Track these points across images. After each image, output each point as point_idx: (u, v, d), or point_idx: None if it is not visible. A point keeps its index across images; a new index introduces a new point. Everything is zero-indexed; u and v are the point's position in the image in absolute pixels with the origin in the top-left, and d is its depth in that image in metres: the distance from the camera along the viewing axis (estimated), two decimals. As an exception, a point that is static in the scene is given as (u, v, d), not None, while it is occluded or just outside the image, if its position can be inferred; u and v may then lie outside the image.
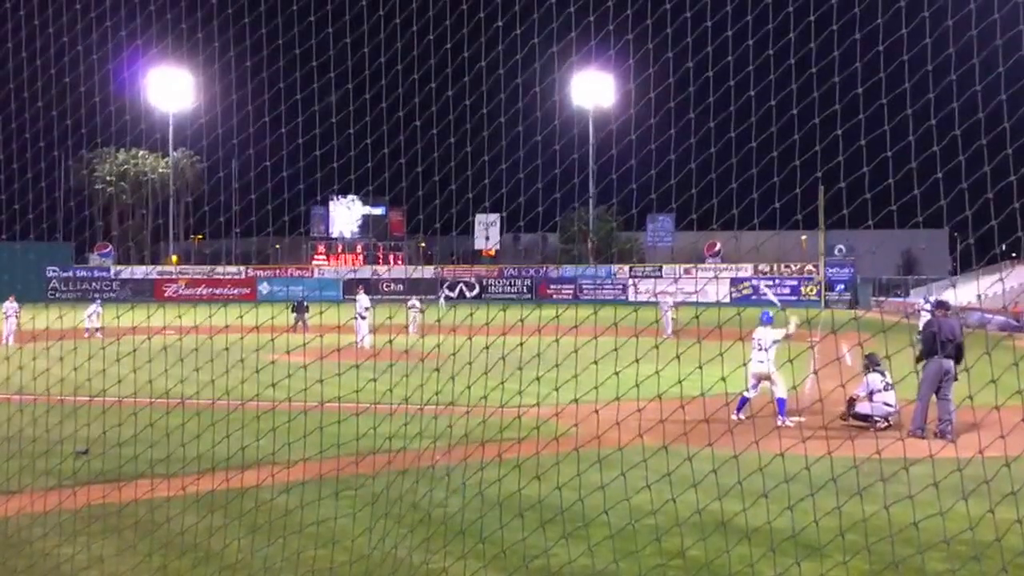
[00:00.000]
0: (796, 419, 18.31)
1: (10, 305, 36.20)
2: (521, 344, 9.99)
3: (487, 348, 9.52)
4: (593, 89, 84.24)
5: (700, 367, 8.73)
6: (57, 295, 71.07)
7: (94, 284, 73.68)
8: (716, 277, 76.17)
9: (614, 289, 78.54)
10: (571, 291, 79.19)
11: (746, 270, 77.04)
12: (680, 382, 8.95)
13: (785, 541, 9.19)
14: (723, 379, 9.58)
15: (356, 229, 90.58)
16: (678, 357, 8.70)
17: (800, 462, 9.00)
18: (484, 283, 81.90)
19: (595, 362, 9.13)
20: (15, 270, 65.67)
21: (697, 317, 9.12)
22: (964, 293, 40.04)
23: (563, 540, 9.61)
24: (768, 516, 8.81)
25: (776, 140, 8.82)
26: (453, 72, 10.33)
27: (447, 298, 70.59)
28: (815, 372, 8.85)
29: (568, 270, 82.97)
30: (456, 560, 9.21)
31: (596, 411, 9.27)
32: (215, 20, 11.32)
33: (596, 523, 10.13)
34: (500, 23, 9.97)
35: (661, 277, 77.49)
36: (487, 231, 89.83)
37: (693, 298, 61.97)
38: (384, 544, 9.67)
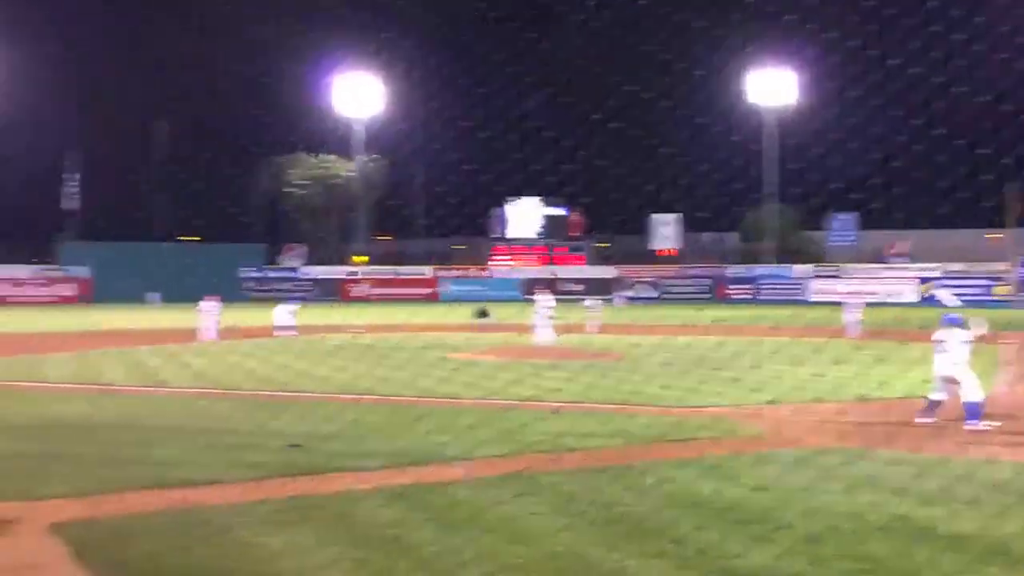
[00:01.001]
0: (990, 424, 17.54)
1: (211, 304, 38.10)
2: (718, 344, 9.98)
3: (681, 348, 9.54)
4: (780, 87, 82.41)
5: (897, 369, 8.53)
6: (251, 295, 74.14)
7: (286, 284, 76.73)
8: (905, 277, 73.15)
9: (794, 289, 76.57)
10: (750, 291, 77.66)
11: (934, 270, 73.85)
12: (879, 384, 8.76)
13: (990, 550, 8.86)
14: (925, 382, 9.32)
15: (535, 229, 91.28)
16: (868, 359, 8.53)
17: (1007, 469, 8.69)
18: (663, 283, 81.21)
19: (788, 364, 9.03)
20: (212, 270, 69.31)
21: (895, 319, 8.90)
22: None
23: (757, 543, 9.44)
24: (974, 524, 8.51)
25: (981, 139, 8.57)
26: (641, 74, 10.42)
27: (627, 298, 70.49)
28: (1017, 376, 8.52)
29: (747, 270, 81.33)
30: (649, 560, 9.08)
31: (791, 413, 9.17)
32: (410, 32, 11.72)
33: (791, 526, 9.96)
34: (694, 23, 10.00)
35: (843, 277, 75.13)
36: (666, 231, 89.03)
37: (878, 299, 59.83)
38: (577, 542, 9.65)
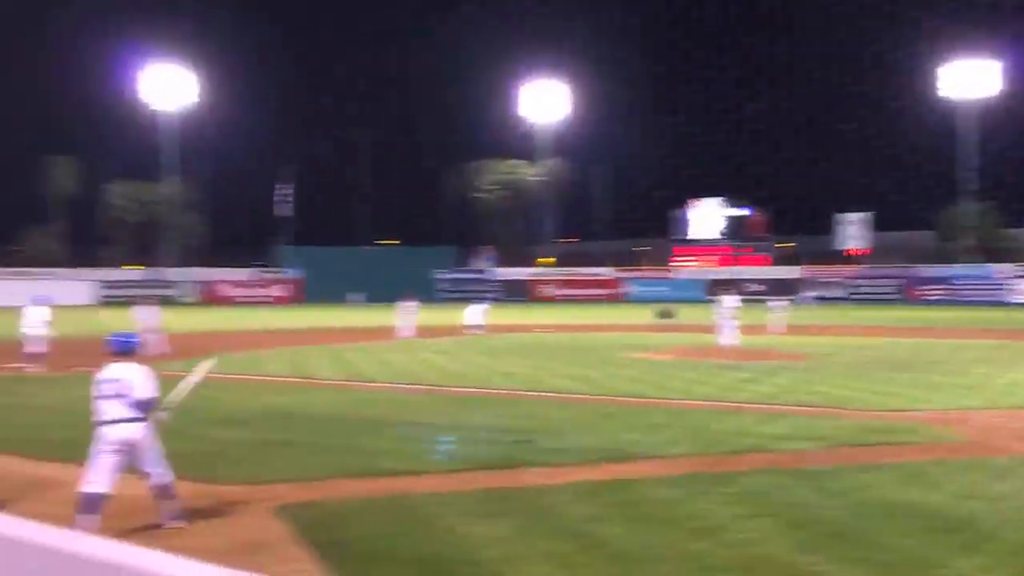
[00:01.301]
0: None
1: (409, 304, 39.80)
2: (914, 346, 9.84)
3: (872, 349, 9.44)
4: (979, 78, 78.78)
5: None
6: (444, 295, 76.16)
7: (476, 285, 78.45)
8: None
9: (993, 290, 72.87)
10: (945, 292, 74.44)
11: None
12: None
13: None
14: None
15: (717, 230, 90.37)
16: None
17: None
18: (851, 283, 78.91)
19: (992, 367, 8.84)
20: (409, 272, 71.77)
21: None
22: None
23: (962, 552, 9.21)
24: None
25: None
26: (826, 73, 10.39)
27: (813, 298, 68.94)
28: None
29: (941, 269, 78.00)
30: (847, 566, 8.93)
31: (997, 418, 8.98)
32: (598, 35, 11.99)
33: (994, 536, 9.73)
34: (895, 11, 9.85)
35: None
36: (853, 230, 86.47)
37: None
38: (770, 544, 9.62)
